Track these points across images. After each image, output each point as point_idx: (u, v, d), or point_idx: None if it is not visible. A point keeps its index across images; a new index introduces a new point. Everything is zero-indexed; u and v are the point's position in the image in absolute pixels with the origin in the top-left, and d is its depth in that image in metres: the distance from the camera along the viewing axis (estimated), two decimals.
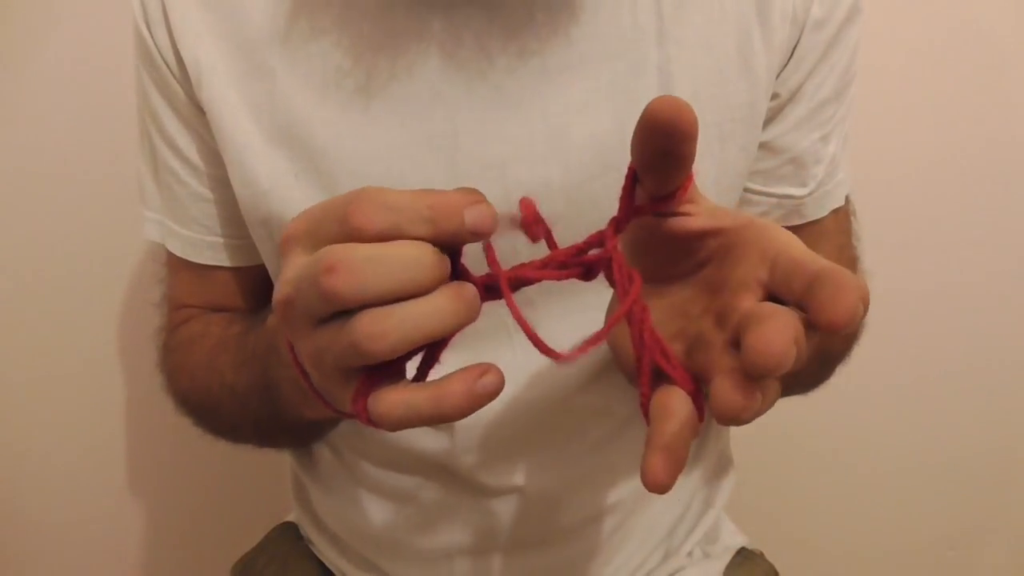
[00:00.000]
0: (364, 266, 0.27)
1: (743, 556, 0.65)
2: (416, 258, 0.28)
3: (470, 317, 0.29)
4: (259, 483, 0.88)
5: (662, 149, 0.30)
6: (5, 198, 0.80)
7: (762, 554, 0.67)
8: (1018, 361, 0.92)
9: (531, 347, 0.29)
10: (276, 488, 0.70)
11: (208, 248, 0.58)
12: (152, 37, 0.52)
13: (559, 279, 0.32)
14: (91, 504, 0.91)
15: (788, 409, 0.57)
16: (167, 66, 0.52)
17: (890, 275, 0.62)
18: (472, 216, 0.28)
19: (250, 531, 0.69)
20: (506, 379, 0.30)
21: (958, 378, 0.93)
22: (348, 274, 0.27)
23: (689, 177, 0.32)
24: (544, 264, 0.32)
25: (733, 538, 0.66)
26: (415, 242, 0.28)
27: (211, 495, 0.92)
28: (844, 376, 0.59)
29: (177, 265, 0.59)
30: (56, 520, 0.90)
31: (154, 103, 0.54)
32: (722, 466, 0.65)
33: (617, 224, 0.32)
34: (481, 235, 0.29)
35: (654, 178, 0.32)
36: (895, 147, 0.85)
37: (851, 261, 0.58)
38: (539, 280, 0.31)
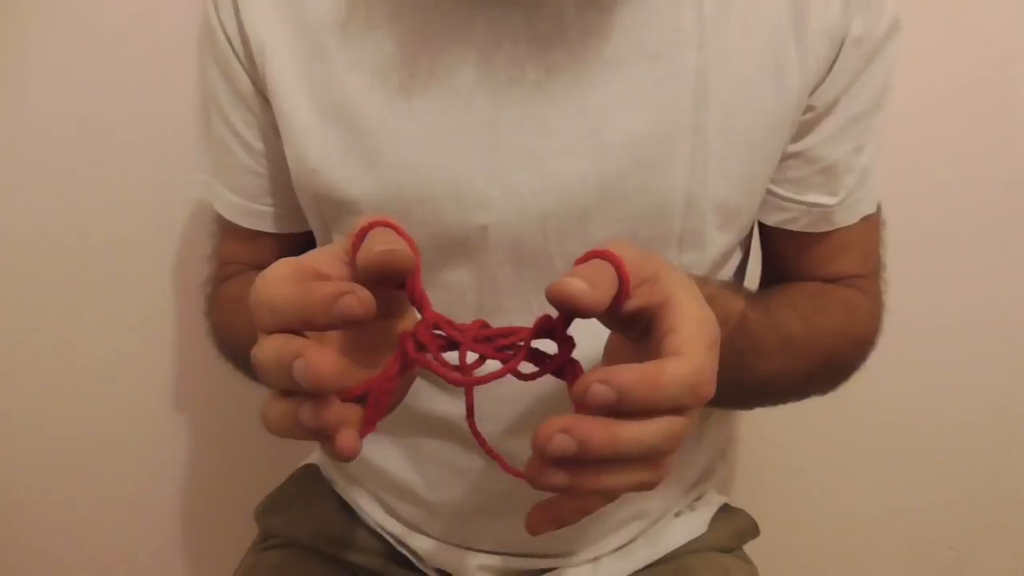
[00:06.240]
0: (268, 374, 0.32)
1: (725, 511, 0.67)
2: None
3: (350, 312, 0.31)
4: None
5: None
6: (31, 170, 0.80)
7: (743, 511, 0.69)
8: (1019, 361, 0.91)
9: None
10: None
11: (253, 215, 0.60)
12: (219, 18, 0.54)
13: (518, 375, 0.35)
14: (116, 449, 0.91)
15: (788, 409, 0.59)
16: (231, 46, 0.54)
17: (891, 276, 0.62)
18: (339, 309, 0.30)
19: (273, 475, 0.70)
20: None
21: (958, 378, 0.92)
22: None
23: (626, 281, 0.34)
24: (505, 355, 0.35)
25: (716, 497, 0.68)
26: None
27: (236, 440, 0.92)
28: None
29: (225, 224, 0.62)
30: (82, 469, 0.91)
31: (213, 80, 0.57)
32: (722, 448, 0.67)
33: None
34: (350, 320, 0.30)
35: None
36: (895, 148, 0.85)
37: (875, 269, 0.60)
38: (502, 376, 0.34)
